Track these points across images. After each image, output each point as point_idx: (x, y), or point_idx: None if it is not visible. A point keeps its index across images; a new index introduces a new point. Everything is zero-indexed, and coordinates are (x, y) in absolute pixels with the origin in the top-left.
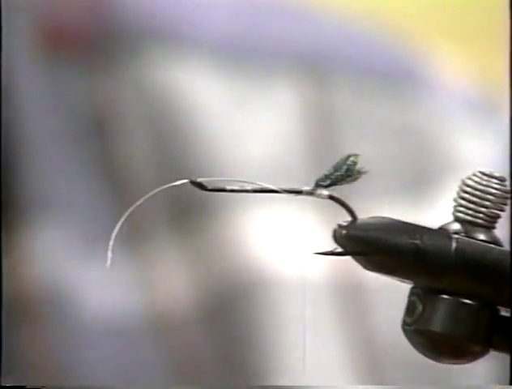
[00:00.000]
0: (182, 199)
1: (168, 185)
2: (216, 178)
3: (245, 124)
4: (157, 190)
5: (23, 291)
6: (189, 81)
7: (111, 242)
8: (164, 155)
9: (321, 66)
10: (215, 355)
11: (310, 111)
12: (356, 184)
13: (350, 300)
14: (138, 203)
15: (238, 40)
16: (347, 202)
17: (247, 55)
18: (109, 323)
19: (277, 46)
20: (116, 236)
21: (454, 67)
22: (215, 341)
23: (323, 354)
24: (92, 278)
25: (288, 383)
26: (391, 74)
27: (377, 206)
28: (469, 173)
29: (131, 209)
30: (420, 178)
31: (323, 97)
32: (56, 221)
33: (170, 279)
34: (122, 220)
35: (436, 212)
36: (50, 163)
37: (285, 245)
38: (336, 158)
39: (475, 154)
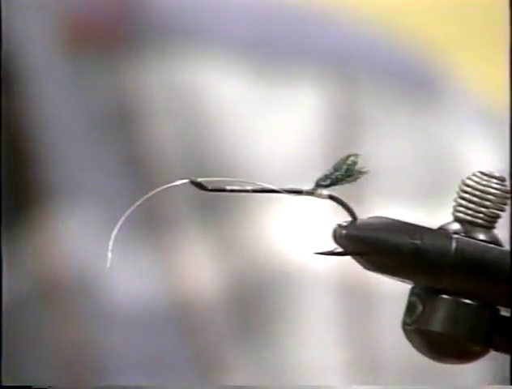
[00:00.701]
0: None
1: (167, 186)
2: (216, 179)
3: (270, 123)
4: (157, 190)
5: (47, 276)
6: (215, 79)
7: (111, 242)
8: (188, 149)
9: (346, 68)
10: (238, 343)
11: (335, 112)
12: (373, 186)
13: (368, 294)
14: (137, 203)
15: (265, 39)
16: (354, 202)
17: (274, 55)
18: (133, 310)
19: (303, 47)
20: (142, 222)
21: (475, 78)
22: (238, 330)
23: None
24: (117, 264)
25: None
26: (413, 80)
27: (391, 209)
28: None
29: (132, 208)
30: (434, 184)
31: (348, 99)
32: (82, 207)
33: (195, 269)
34: (123, 219)
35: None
36: (78, 149)
37: (308, 238)
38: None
39: (490, 165)
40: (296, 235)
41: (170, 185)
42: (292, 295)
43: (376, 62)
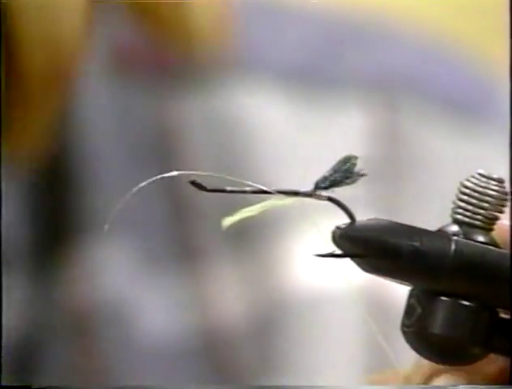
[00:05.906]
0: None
1: (160, 176)
2: (217, 174)
3: (313, 149)
4: (149, 180)
5: (79, 307)
6: (256, 107)
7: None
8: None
9: (392, 92)
10: (266, 373)
11: (378, 136)
12: (412, 208)
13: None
14: (132, 192)
15: (308, 64)
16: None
17: (318, 81)
18: (162, 343)
19: (348, 71)
20: (175, 255)
21: None
22: (266, 359)
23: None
24: (149, 297)
25: None
26: (459, 103)
27: None
28: None
29: (126, 198)
30: None
31: (392, 122)
32: (116, 239)
33: (223, 301)
34: (119, 205)
35: None
36: (114, 180)
37: (333, 264)
38: (403, 186)
39: None
40: (321, 262)
41: (162, 176)
42: (317, 321)
43: (425, 84)
